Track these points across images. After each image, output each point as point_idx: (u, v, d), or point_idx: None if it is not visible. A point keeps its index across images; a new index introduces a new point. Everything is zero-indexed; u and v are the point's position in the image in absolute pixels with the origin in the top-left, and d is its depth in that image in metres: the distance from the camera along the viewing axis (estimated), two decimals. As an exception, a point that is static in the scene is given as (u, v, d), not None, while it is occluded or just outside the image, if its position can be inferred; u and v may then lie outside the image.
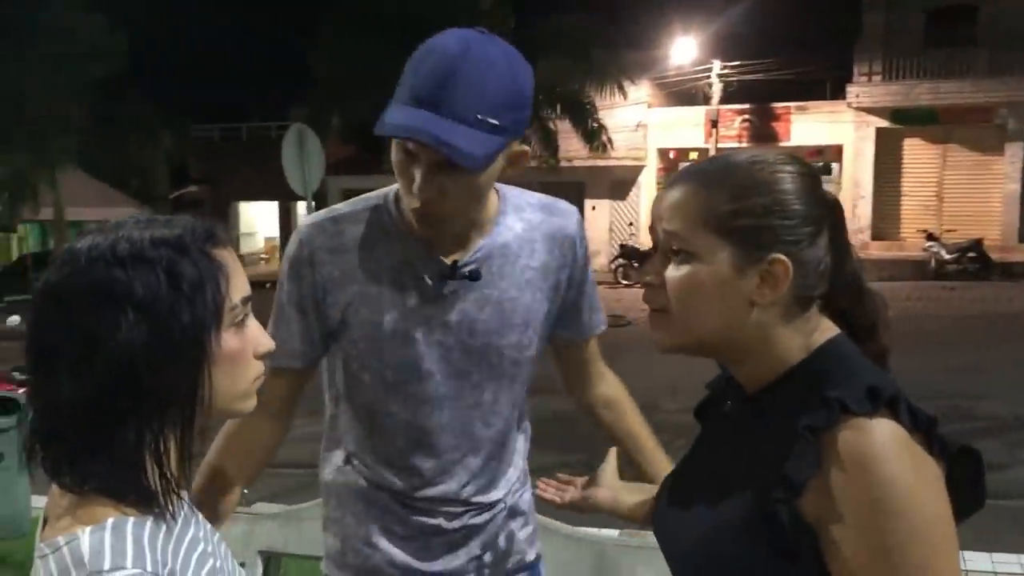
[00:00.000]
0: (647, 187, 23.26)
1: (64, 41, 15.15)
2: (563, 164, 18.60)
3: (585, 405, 1.77)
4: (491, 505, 1.60)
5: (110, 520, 0.90)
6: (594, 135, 17.09)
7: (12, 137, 15.19)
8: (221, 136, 28.31)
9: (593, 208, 23.13)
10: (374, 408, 1.54)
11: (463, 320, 1.48)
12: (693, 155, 23.68)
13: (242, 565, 2.20)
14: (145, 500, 0.93)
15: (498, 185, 1.53)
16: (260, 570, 2.32)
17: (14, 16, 14.71)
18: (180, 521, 0.98)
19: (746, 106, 22.94)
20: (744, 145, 21.73)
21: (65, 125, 15.97)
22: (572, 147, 18.53)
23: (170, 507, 0.95)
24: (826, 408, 0.94)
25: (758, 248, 1.01)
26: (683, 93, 23.85)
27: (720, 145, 22.31)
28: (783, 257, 1.01)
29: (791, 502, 0.95)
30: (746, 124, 22.80)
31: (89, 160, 17.77)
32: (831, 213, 1.06)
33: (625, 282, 19.11)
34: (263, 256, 28.58)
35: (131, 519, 0.91)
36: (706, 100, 23.36)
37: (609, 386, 1.76)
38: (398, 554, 1.57)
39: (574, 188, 22.38)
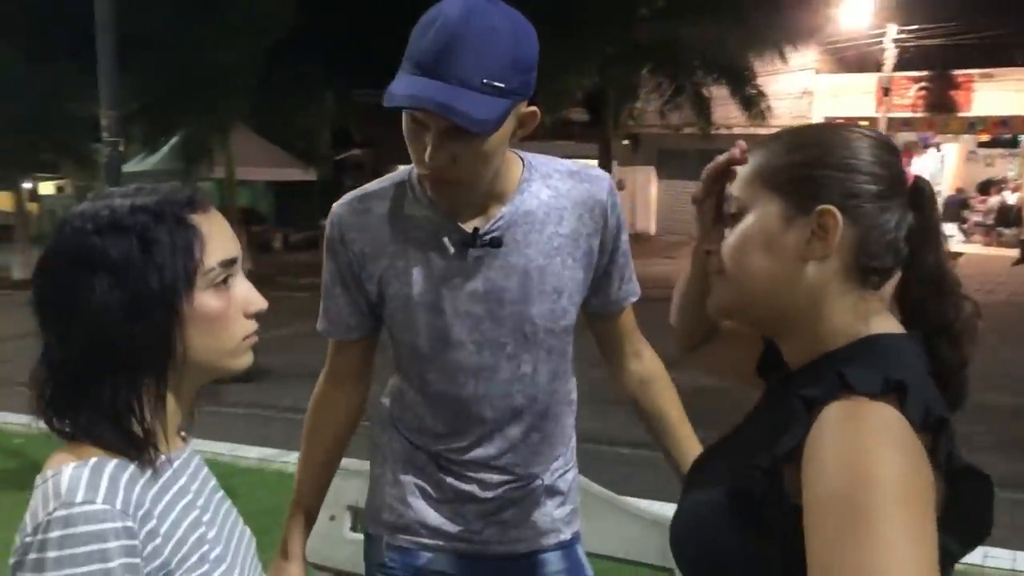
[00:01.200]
0: (810, 157, 22.27)
1: (235, 4, 15.84)
2: (721, 131, 18.10)
3: (619, 381, 1.73)
4: (528, 479, 1.59)
5: (93, 459, 0.97)
6: (752, 102, 16.47)
7: (188, 99, 16.07)
8: (375, 102, 29.07)
9: (751, 178, 22.34)
10: (415, 376, 1.57)
11: (491, 290, 1.49)
12: (863, 124, 22.52)
13: (331, 519, 2.27)
14: (126, 448, 1.00)
15: (523, 153, 1.53)
16: (348, 524, 2.38)
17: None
18: (169, 471, 1.05)
19: (923, 73, 21.56)
20: (919, 115, 20.48)
21: (236, 88, 16.77)
22: (732, 113, 17.96)
23: (150, 455, 1.01)
24: (827, 383, 0.89)
25: (808, 198, 0.97)
26: (853, 59, 22.64)
27: (892, 115, 21.11)
28: (833, 208, 0.95)
29: (772, 472, 0.88)
30: (922, 92, 21.45)
31: (259, 122, 18.63)
32: (918, 194, 1.00)
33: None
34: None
35: (114, 460, 0.98)
36: (878, 67, 22.11)
37: (645, 363, 1.72)
38: (431, 516, 1.59)
39: (732, 157, 21.72)
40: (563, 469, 1.65)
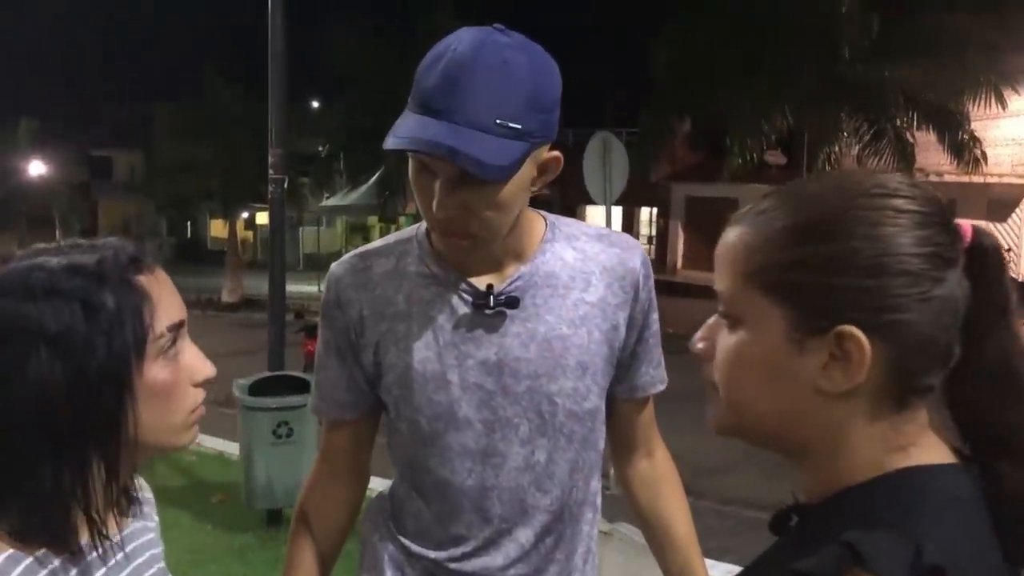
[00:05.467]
0: (1032, 208, 20.57)
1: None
2: (931, 178, 17.02)
3: (623, 479, 1.52)
4: None
5: (7, 552, 0.87)
6: (963, 148, 15.37)
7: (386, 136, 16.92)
8: (574, 140, 29.46)
9: (962, 229, 20.80)
10: (413, 463, 1.37)
11: (504, 359, 1.30)
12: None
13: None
14: (60, 543, 0.89)
15: (545, 213, 1.37)
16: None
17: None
18: (97, 562, 0.94)
19: None
20: None
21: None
22: (941, 159, 16.88)
23: (97, 548, 0.92)
24: (833, 554, 0.66)
25: (822, 315, 0.72)
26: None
27: None
28: (855, 332, 0.71)
29: None
30: None
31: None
32: (978, 260, 0.74)
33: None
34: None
35: (28, 559, 0.88)
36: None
37: (656, 465, 1.53)
38: None
39: (940, 205, 20.34)
40: None
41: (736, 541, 4.64)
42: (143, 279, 0.93)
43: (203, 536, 4.94)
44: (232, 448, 6.31)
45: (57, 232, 29.81)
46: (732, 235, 0.80)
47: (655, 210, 26.90)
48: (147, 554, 1.04)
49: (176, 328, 0.96)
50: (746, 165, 15.21)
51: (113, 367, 0.89)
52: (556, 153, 1.26)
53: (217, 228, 35.88)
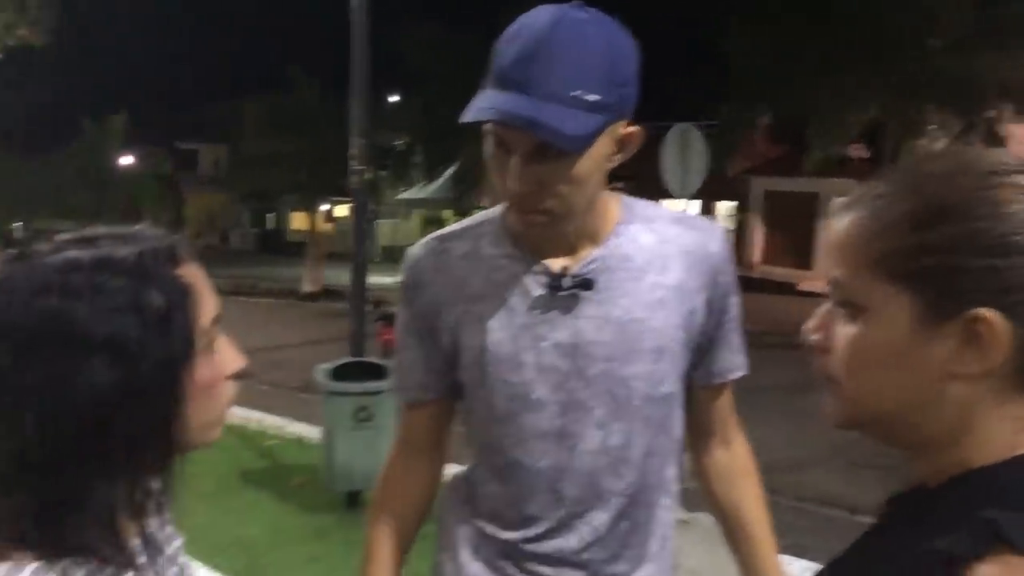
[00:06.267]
0: None
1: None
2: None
3: (699, 468, 1.52)
4: None
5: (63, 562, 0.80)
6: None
7: (462, 129, 17.06)
8: (652, 133, 29.23)
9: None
10: (487, 444, 1.38)
11: (579, 342, 1.30)
12: None
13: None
14: (111, 555, 0.82)
15: (622, 196, 1.38)
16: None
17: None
18: (146, 567, 0.90)
19: None
20: None
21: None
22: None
23: (137, 560, 0.87)
24: (973, 532, 0.66)
25: (951, 298, 0.71)
26: None
27: None
28: (988, 313, 0.69)
29: None
30: None
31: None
32: None
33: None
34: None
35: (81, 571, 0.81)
36: None
37: (733, 455, 1.50)
38: None
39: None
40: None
41: (814, 539, 4.56)
42: (183, 272, 0.88)
43: (285, 517, 5.06)
44: (312, 433, 6.45)
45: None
46: (845, 222, 0.79)
47: (733, 204, 26.50)
48: (174, 544, 1.02)
49: (217, 321, 0.92)
50: (828, 159, 14.89)
51: (167, 371, 0.84)
52: (635, 128, 1.25)
53: (298, 220, 36.66)
